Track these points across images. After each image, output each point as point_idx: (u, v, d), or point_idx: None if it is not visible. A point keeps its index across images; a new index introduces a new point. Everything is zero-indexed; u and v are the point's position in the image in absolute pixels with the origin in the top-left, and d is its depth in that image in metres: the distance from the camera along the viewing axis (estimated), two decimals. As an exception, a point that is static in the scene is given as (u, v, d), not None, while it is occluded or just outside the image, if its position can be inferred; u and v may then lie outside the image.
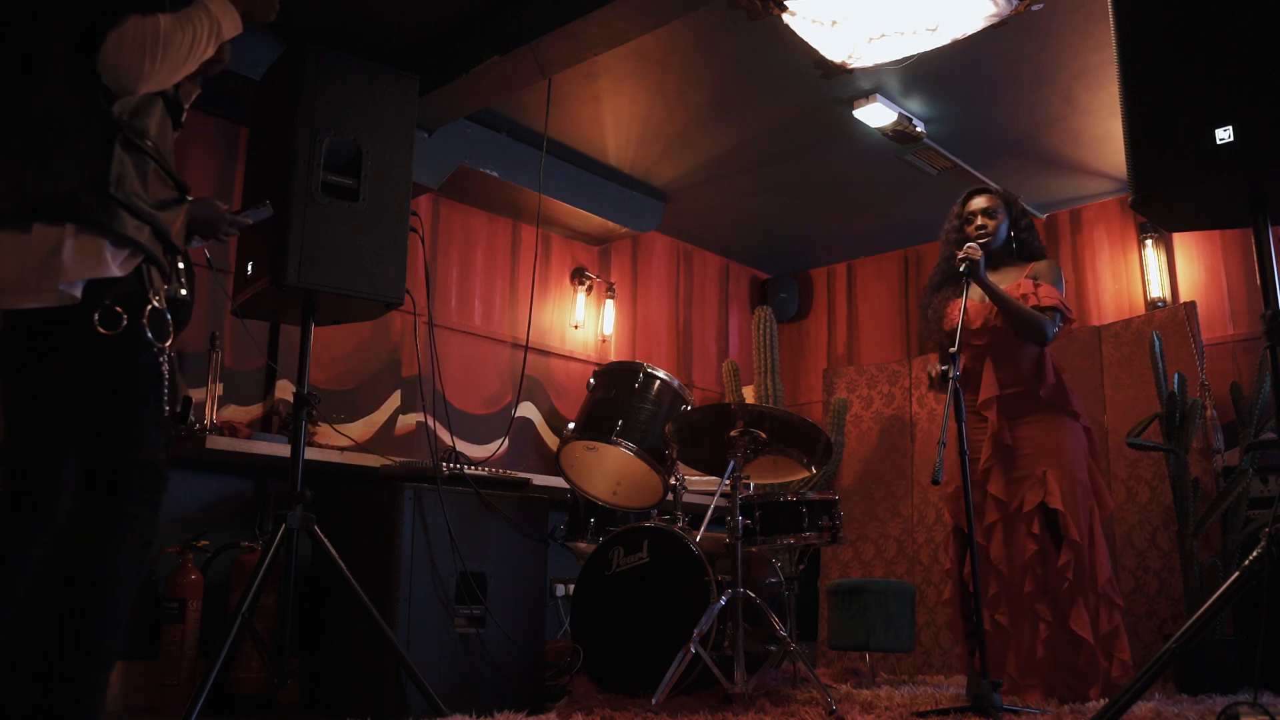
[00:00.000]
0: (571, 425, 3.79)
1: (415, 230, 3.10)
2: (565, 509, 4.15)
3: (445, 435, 4.52)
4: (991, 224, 3.56)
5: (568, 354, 5.44)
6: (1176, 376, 4.04)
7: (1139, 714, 2.84)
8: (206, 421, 3.70)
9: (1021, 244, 3.62)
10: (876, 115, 4.44)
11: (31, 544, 1.83)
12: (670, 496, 3.79)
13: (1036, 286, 3.46)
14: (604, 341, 5.65)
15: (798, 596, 3.87)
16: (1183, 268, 5.10)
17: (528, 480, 3.64)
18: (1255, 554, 2.10)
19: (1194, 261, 5.07)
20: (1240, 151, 2.09)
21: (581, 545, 3.99)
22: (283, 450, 3.44)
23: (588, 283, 5.56)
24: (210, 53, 2.07)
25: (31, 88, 1.88)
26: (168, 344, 1.95)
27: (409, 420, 4.61)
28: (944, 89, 4.35)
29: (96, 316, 1.85)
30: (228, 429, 3.78)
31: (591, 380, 3.90)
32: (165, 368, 1.95)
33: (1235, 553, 3.89)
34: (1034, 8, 3.67)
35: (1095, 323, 5.10)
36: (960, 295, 3.41)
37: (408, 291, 3.06)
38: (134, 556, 1.92)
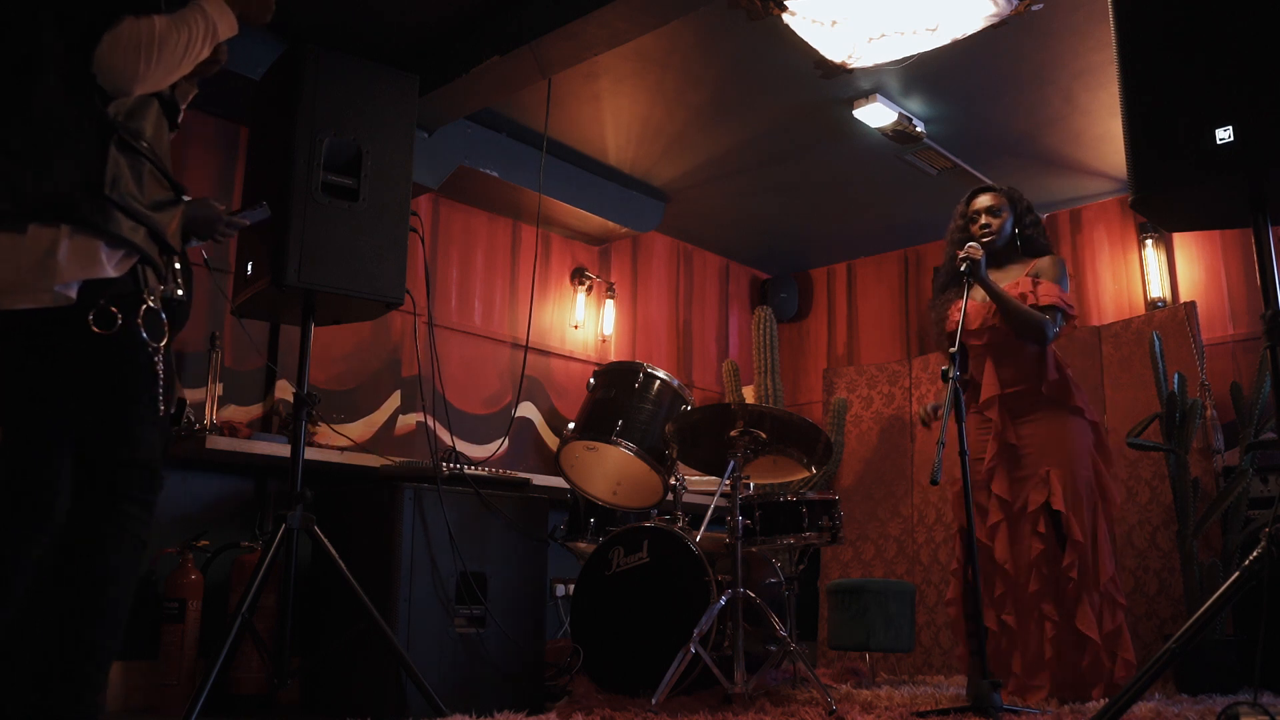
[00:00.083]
0: (571, 425, 3.79)
1: (415, 230, 3.11)
2: (565, 509, 4.15)
3: (445, 435, 4.52)
4: (996, 222, 3.55)
5: (568, 354, 5.44)
6: (1176, 376, 4.04)
7: (1139, 714, 2.84)
8: (206, 421, 3.70)
9: (1026, 241, 3.59)
10: (876, 115, 4.44)
11: (31, 544, 1.83)
12: (670, 496, 3.79)
13: (1036, 285, 3.44)
14: (604, 341, 5.65)
15: (798, 596, 3.87)
16: (1183, 268, 5.10)
17: (528, 480, 3.64)
18: (1255, 554, 2.10)
19: (1194, 261, 5.07)
20: (1240, 151, 2.09)
21: (581, 545, 3.99)
22: (283, 450, 3.44)
23: (588, 283, 5.56)
24: (206, 54, 2.07)
25: (29, 88, 1.88)
26: (163, 344, 1.95)
27: (409, 420, 4.61)
28: (944, 89, 4.35)
29: (91, 316, 1.85)
30: (228, 429, 3.78)
31: (591, 380, 3.90)
32: (161, 368, 1.95)
33: (1235, 553, 3.89)
34: (1034, 8, 3.67)
35: (1095, 323, 5.10)
36: (963, 295, 3.41)
37: (408, 291, 3.06)
38: (131, 556, 1.92)
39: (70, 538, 1.87)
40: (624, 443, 3.62)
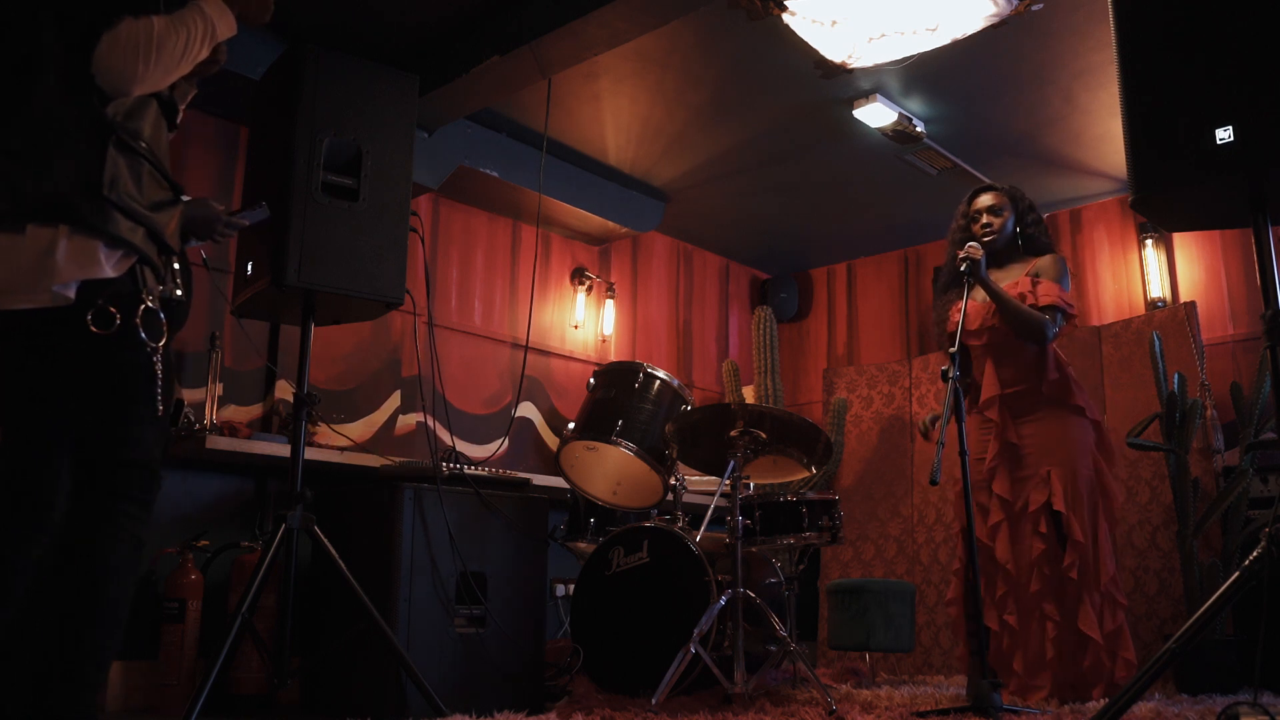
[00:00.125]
0: (571, 425, 3.79)
1: (415, 230, 3.10)
2: (565, 509, 4.15)
3: (445, 435, 4.52)
4: (997, 221, 3.54)
5: (568, 354, 5.44)
6: (1176, 376, 4.04)
7: (1139, 714, 2.83)
8: (206, 421, 3.70)
9: (1028, 240, 3.57)
10: (876, 115, 4.44)
11: (31, 544, 1.83)
12: (670, 496, 3.79)
13: (1035, 285, 3.43)
14: (604, 341, 5.65)
15: (798, 596, 3.87)
16: (1183, 268, 5.10)
17: (528, 480, 3.64)
18: (1255, 554, 2.10)
19: (1194, 261, 5.07)
20: (1240, 151, 2.09)
21: (581, 545, 3.99)
22: (283, 450, 3.44)
23: (588, 283, 5.56)
24: (205, 54, 2.07)
25: (29, 88, 1.88)
26: (162, 344, 1.96)
27: (409, 420, 4.61)
28: (944, 89, 4.35)
29: (90, 316, 1.85)
30: (228, 429, 3.78)
31: (591, 380, 3.90)
32: (159, 368, 1.95)
33: (1235, 553, 3.89)
34: (1034, 8, 3.67)
35: (1095, 323, 5.10)
36: (963, 295, 3.41)
37: (408, 291, 3.06)
38: (130, 556, 1.93)
39: (69, 538, 1.87)
40: (624, 443, 3.62)
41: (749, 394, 5.72)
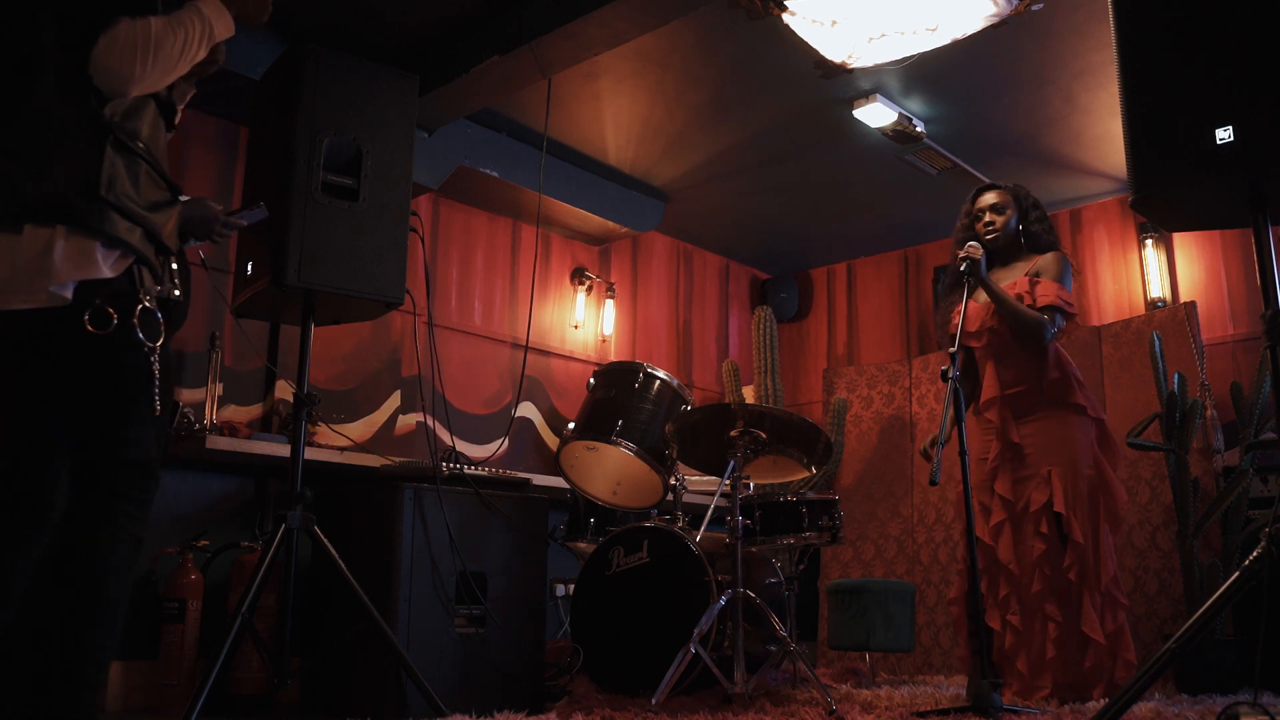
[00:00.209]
0: (571, 425, 3.79)
1: (415, 230, 3.11)
2: (565, 509, 4.15)
3: (445, 435, 4.52)
4: (1000, 220, 3.54)
5: (568, 354, 5.44)
6: (1176, 376, 4.04)
7: (1139, 714, 2.83)
8: (206, 421, 3.70)
9: (1031, 237, 3.56)
10: (876, 115, 4.44)
11: (31, 544, 1.83)
12: (670, 496, 3.79)
13: (1034, 285, 3.42)
14: (604, 341, 5.65)
15: (798, 596, 3.87)
16: (1183, 268, 5.10)
17: (528, 480, 3.64)
18: (1255, 554, 2.10)
19: (1194, 261, 5.07)
20: (1240, 151, 2.09)
21: (581, 545, 3.99)
22: (283, 450, 3.44)
23: (588, 283, 5.56)
24: (202, 55, 2.07)
25: (27, 89, 1.88)
26: (159, 344, 1.96)
27: (409, 420, 4.61)
28: (944, 89, 4.35)
29: (87, 316, 1.85)
30: (228, 429, 3.78)
31: (591, 380, 3.90)
32: (156, 367, 1.95)
33: (1235, 553, 3.88)
34: (1034, 8, 3.67)
35: (1095, 323, 5.09)
36: (972, 295, 3.41)
37: (408, 291, 3.06)
38: (128, 556, 1.93)
39: (68, 537, 1.87)
40: (624, 443, 3.62)
41: (749, 394, 5.72)
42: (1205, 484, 4.10)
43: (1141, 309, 5.10)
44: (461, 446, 4.68)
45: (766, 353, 5.62)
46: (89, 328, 1.86)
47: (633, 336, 5.83)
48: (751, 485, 4.21)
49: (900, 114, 4.46)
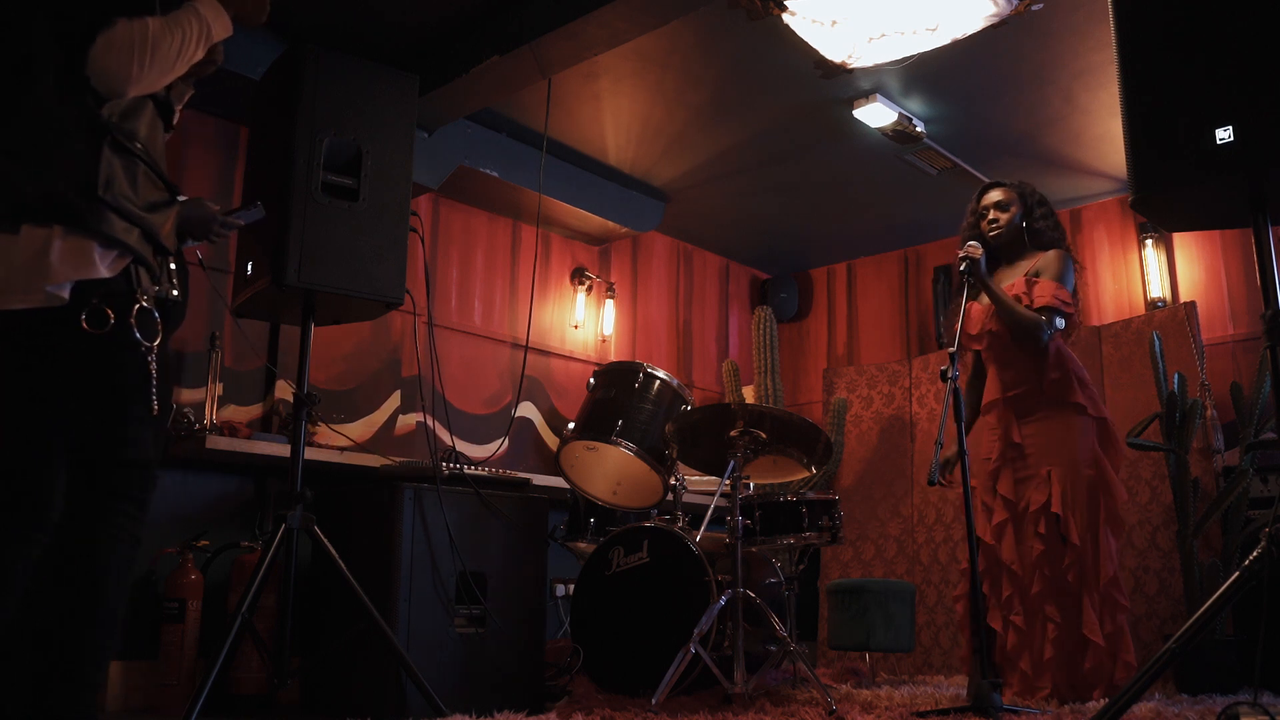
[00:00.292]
0: (571, 425, 3.79)
1: (415, 230, 3.10)
2: (565, 509, 4.15)
3: (445, 435, 4.52)
4: (1004, 216, 3.52)
5: (568, 354, 5.44)
6: (1176, 376, 4.04)
7: (1139, 714, 2.83)
8: (206, 421, 3.70)
9: (1034, 234, 3.52)
10: (876, 115, 4.44)
11: (31, 544, 1.84)
12: (670, 496, 3.79)
13: (1031, 285, 3.40)
14: (604, 341, 5.65)
15: (798, 596, 3.87)
16: (1183, 268, 5.10)
17: (528, 480, 3.64)
18: (1255, 554, 2.10)
19: (1194, 261, 5.07)
20: (1240, 151, 2.09)
21: (581, 545, 3.99)
22: (283, 450, 3.44)
23: (588, 283, 5.56)
24: (200, 55, 2.07)
25: (25, 89, 1.88)
26: (156, 344, 1.96)
27: (409, 420, 4.61)
28: (944, 89, 4.35)
29: (84, 316, 1.85)
30: (228, 429, 3.78)
31: (591, 380, 3.90)
32: (154, 367, 1.95)
33: (1235, 553, 3.88)
34: (1034, 8, 3.67)
35: (1095, 323, 5.09)
36: (974, 296, 3.40)
37: (408, 291, 3.06)
38: (127, 555, 1.93)
39: (67, 537, 1.87)
40: (624, 443, 3.62)
41: (749, 394, 5.72)
42: (1205, 484, 4.10)
43: (1141, 309, 5.10)
44: (461, 446, 4.68)
45: (766, 353, 5.62)
46: (86, 327, 1.86)
47: (633, 336, 5.83)
48: (751, 485, 4.21)
49: (900, 114, 4.46)
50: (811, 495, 3.64)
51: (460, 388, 4.83)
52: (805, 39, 3.84)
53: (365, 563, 3.03)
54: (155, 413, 1.97)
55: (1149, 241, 5.13)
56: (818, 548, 4.24)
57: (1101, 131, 4.64)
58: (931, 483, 2.84)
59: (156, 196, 2.01)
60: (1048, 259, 3.46)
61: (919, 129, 4.57)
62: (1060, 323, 3.40)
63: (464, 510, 3.29)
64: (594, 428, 3.70)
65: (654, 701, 2.93)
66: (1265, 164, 2.07)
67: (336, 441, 4.02)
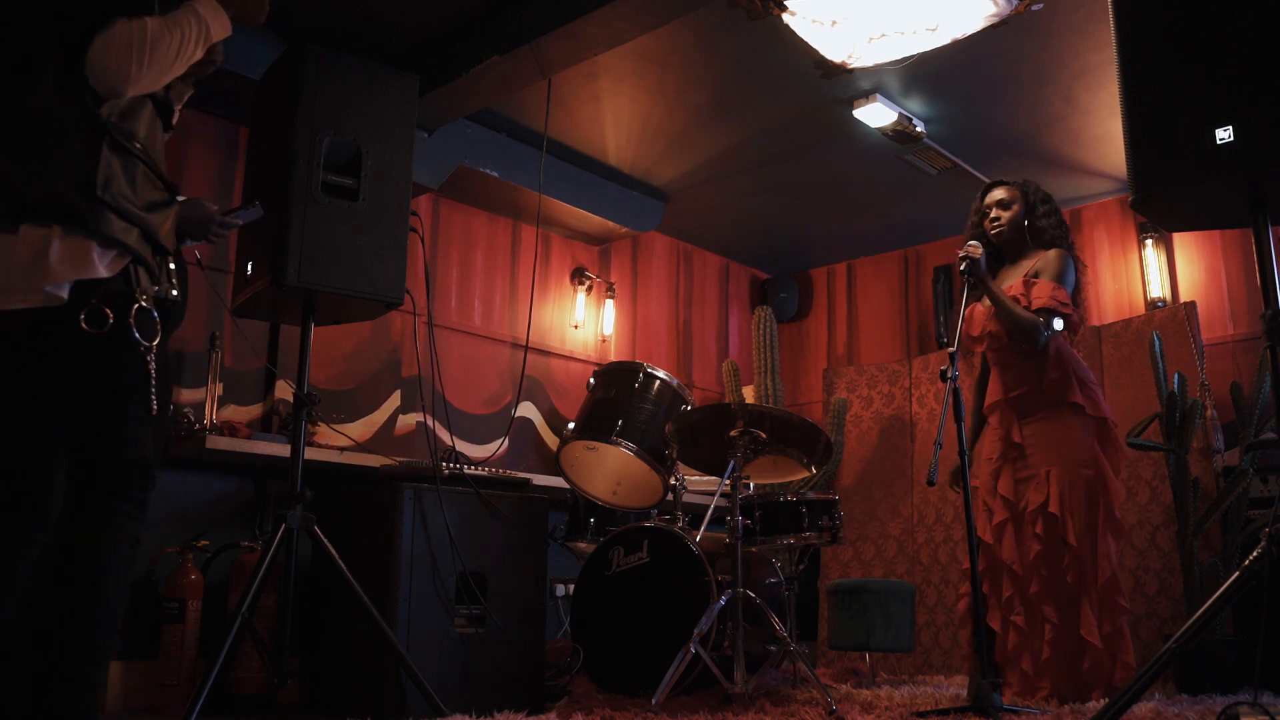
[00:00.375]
0: (571, 425, 3.79)
1: (415, 230, 3.10)
2: (565, 509, 4.15)
3: (445, 435, 4.52)
4: (1006, 215, 3.51)
5: (568, 354, 5.44)
6: (1176, 376, 4.04)
7: (1139, 714, 2.83)
8: (206, 421, 3.70)
9: (1036, 233, 3.49)
10: (876, 115, 4.44)
11: (31, 544, 1.84)
12: (670, 496, 3.79)
13: (1030, 286, 3.39)
14: (604, 341, 5.65)
15: (798, 596, 3.87)
16: (1183, 268, 5.10)
17: (528, 480, 3.64)
18: (1255, 554, 2.10)
19: (1194, 261, 5.07)
20: (1240, 151, 2.09)
21: (581, 545, 3.99)
22: (283, 450, 3.44)
23: (588, 283, 5.56)
24: (199, 55, 2.07)
25: (25, 89, 1.88)
26: (155, 343, 1.96)
27: (409, 420, 4.62)
28: (944, 89, 4.35)
29: (83, 315, 1.85)
30: (228, 429, 3.78)
31: (591, 380, 3.90)
32: (153, 367, 1.95)
33: (1235, 553, 3.88)
34: (1034, 8, 3.67)
35: (1095, 323, 5.09)
36: (979, 297, 3.40)
37: (408, 291, 3.06)
38: (126, 555, 1.93)
39: (66, 537, 1.87)
40: (624, 443, 3.62)
41: (749, 394, 5.72)
42: (1205, 484, 4.10)
43: (1141, 309, 5.10)
44: (461, 446, 4.68)
45: (766, 353, 5.62)
46: (85, 327, 1.86)
47: (633, 336, 5.83)
48: (751, 485, 4.21)
49: (900, 114, 4.46)
50: (811, 495, 3.64)
51: (460, 388, 4.83)
52: (805, 39, 3.84)
53: (365, 563, 3.03)
54: (154, 413, 1.97)
55: (1149, 241, 5.13)
56: (818, 548, 4.24)
57: (1101, 131, 4.64)
58: (931, 482, 2.84)
59: (155, 196, 2.01)
60: (1048, 259, 3.45)
61: (919, 129, 4.57)
62: (1058, 324, 3.36)
63: (464, 510, 3.29)
64: (594, 428, 3.70)
65: (654, 701, 2.93)
66: (1265, 164, 2.07)
67: (336, 441, 4.02)
